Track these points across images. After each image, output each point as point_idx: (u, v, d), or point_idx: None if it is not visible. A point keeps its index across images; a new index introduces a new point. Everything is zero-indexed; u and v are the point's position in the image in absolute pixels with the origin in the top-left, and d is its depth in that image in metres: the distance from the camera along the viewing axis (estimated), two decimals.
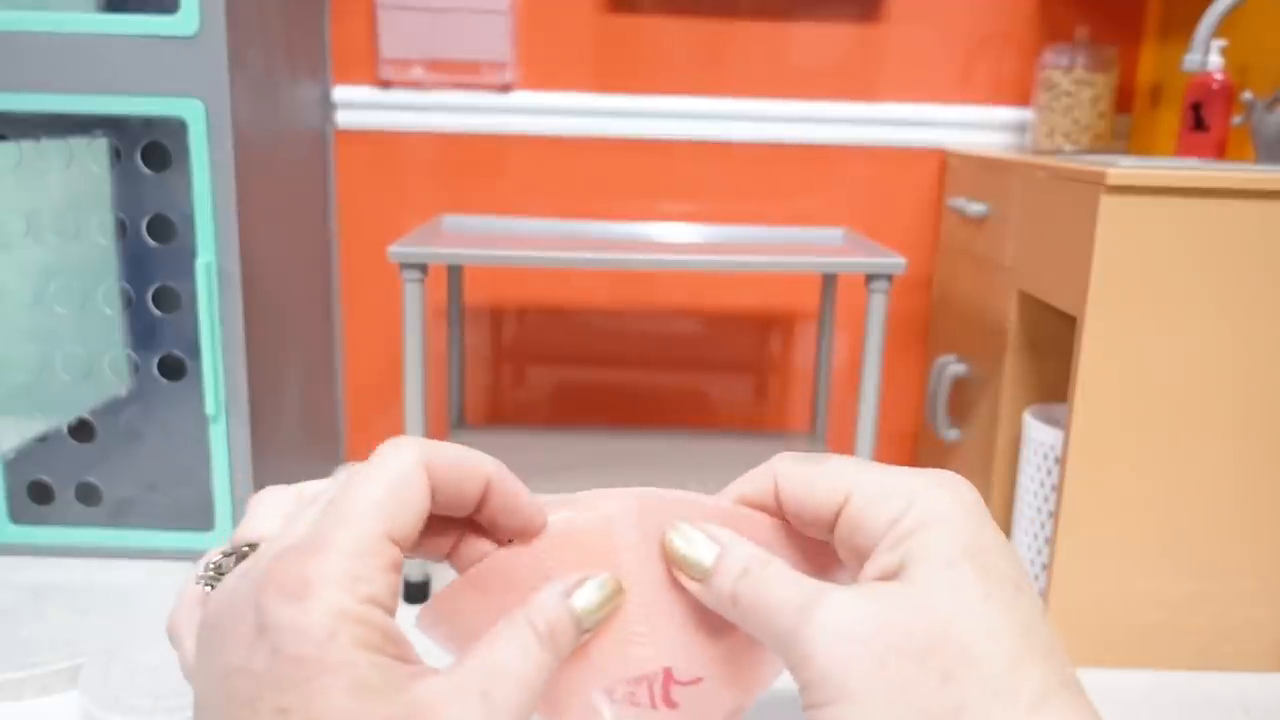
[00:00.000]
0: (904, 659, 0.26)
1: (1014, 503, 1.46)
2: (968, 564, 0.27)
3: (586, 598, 0.30)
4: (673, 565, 0.31)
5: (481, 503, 0.31)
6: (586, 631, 0.30)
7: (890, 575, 0.28)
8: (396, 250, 1.34)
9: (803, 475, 0.31)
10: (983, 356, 1.58)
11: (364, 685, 0.25)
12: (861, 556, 0.29)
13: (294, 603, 0.25)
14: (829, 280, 1.77)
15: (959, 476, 0.29)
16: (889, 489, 0.29)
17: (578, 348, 1.93)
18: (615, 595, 0.31)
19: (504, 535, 0.32)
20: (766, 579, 0.29)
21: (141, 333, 1.63)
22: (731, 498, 0.33)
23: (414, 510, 0.28)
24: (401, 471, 0.28)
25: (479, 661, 0.28)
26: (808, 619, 0.27)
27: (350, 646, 0.25)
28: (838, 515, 0.30)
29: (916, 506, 0.28)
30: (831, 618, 0.27)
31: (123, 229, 1.50)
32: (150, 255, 1.50)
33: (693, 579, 0.31)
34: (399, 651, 0.26)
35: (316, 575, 0.25)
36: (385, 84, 1.79)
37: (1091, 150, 1.70)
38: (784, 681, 0.30)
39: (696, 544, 0.31)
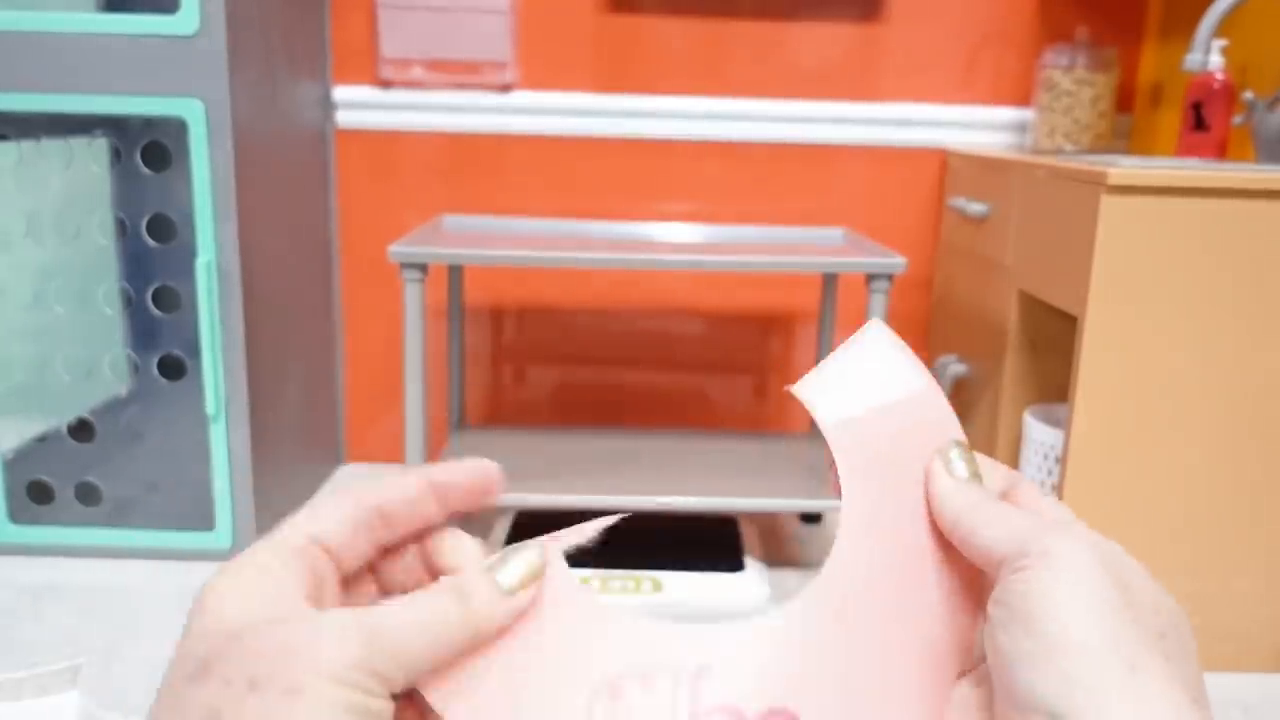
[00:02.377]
0: (1128, 575, 0.28)
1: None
2: (1169, 595, 0.30)
3: (510, 573, 0.31)
4: (933, 463, 0.34)
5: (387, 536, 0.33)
6: (516, 602, 0.31)
7: None
8: (396, 250, 1.34)
9: (1037, 495, 0.34)
10: (983, 356, 1.58)
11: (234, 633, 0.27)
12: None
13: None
14: (829, 280, 1.77)
15: None
16: (1101, 539, 0.32)
17: (578, 348, 1.93)
18: (540, 569, 0.32)
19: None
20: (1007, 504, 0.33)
21: (141, 333, 1.63)
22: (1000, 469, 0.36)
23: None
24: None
25: (379, 608, 0.29)
26: (1066, 526, 0.30)
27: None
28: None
29: (1126, 558, 0.31)
30: (1089, 536, 0.30)
31: (123, 229, 1.50)
32: (150, 255, 1.50)
33: (950, 474, 0.33)
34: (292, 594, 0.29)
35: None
36: (385, 84, 1.79)
37: (1092, 150, 1.70)
38: None
39: (958, 462, 0.34)
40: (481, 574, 0.31)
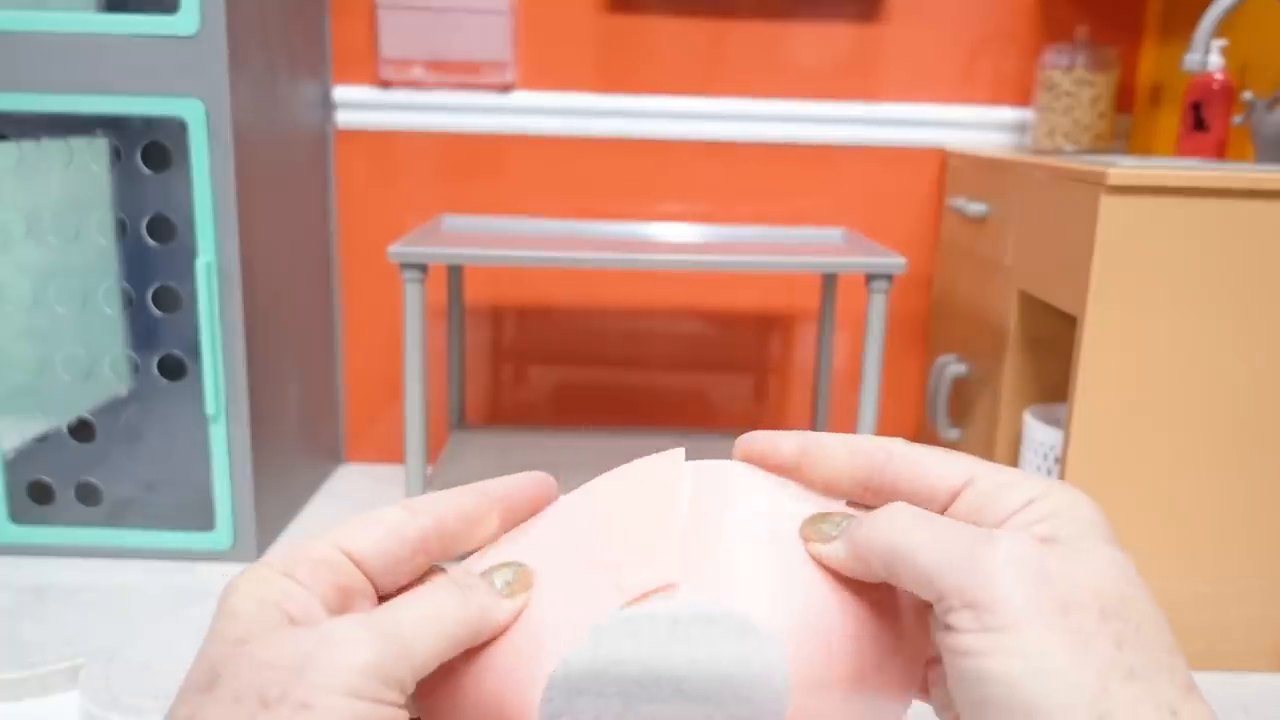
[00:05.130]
0: (1085, 613, 0.26)
1: None
2: (1122, 550, 0.27)
3: (502, 579, 0.31)
4: (803, 536, 0.32)
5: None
6: (513, 604, 0.31)
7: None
8: (396, 250, 1.34)
9: (924, 453, 0.31)
10: (983, 356, 1.58)
11: (261, 626, 0.27)
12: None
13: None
14: (829, 280, 1.77)
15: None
16: (1018, 477, 0.29)
17: (578, 348, 1.93)
18: (529, 582, 0.31)
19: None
20: (921, 512, 0.29)
21: (141, 333, 1.63)
22: (847, 449, 0.33)
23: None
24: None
25: (385, 608, 0.29)
26: (990, 543, 0.27)
27: (250, 601, 0.28)
28: (954, 496, 0.30)
29: (1053, 494, 0.28)
30: (1016, 548, 0.26)
31: (123, 229, 1.50)
32: (150, 255, 1.50)
33: (821, 541, 0.31)
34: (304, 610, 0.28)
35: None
36: (385, 84, 1.79)
37: (1092, 150, 1.70)
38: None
39: (827, 525, 0.31)
40: (476, 575, 0.31)
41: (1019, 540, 0.27)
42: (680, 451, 0.34)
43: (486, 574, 0.31)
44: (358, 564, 0.29)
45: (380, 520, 0.30)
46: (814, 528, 0.32)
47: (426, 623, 0.28)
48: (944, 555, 0.27)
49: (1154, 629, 0.26)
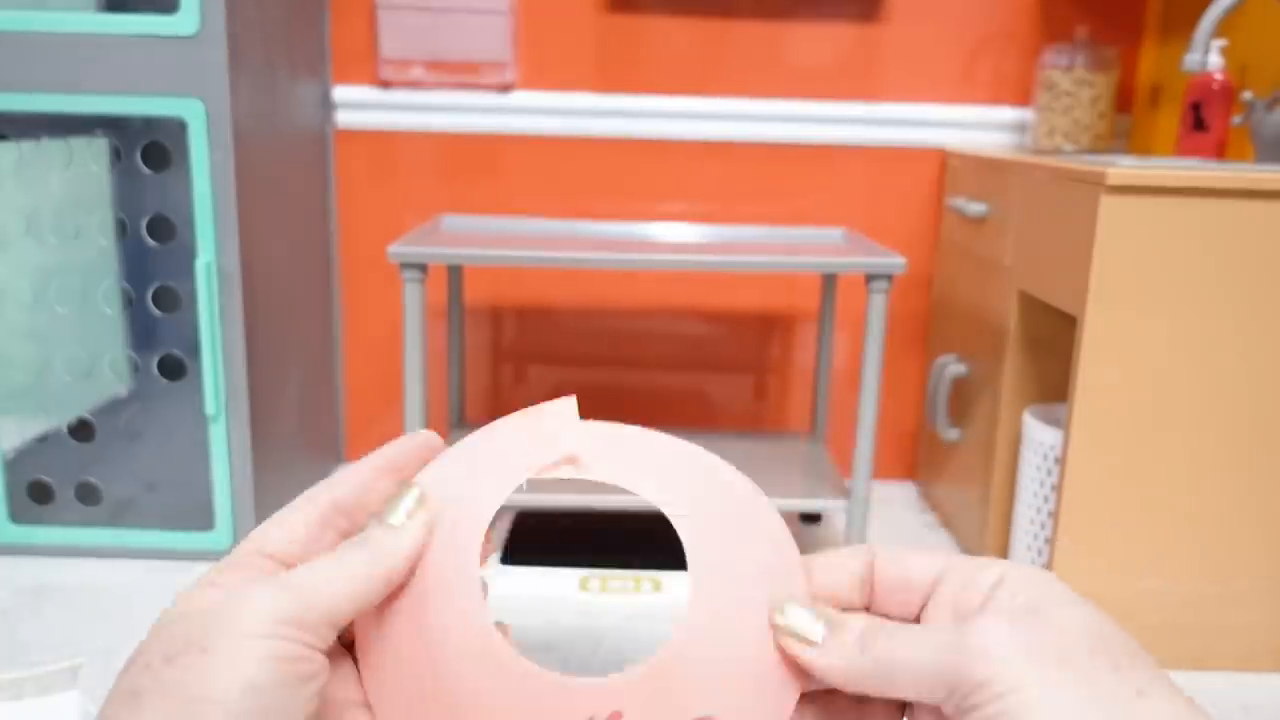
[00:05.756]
0: (1075, 655, 0.28)
1: (1014, 503, 1.46)
2: (1088, 602, 0.30)
3: (397, 513, 0.33)
4: (779, 634, 0.33)
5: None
6: (408, 535, 0.32)
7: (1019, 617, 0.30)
8: (396, 250, 1.34)
9: (905, 550, 0.34)
10: (983, 356, 1.58)
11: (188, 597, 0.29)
12: (964, 616, 0.32)
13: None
14: (829, 280, 1.77)
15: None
16: (985, 562, 0.32)
17: (578, 348, 1.93)
18: (422, 499, 0.33)
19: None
20: (890, 627, 0.32)
21: (141, 333, 1.63)
22: (849, 554, 0.35)
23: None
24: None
25: (295, 569, 0.31)
26: (968, 630, 0.30)
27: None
28: (934, 585, 0.33)
29: (1015, 571, 0.31)
30: (993, 626, 0.29)
31: (123, 229, 1.50)
32: (150, 255, 1.50)
33: (804, 644, 0.33)
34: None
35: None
36: (385, 84, 1.79)
37: (1091, 150, 1.70)
38: None
39: (804, 621, 0.33)
40: (375, 521, 0.33)
41: (996, 622, 0.29)
42: (572, 399, 0.37)
43: (381, 510, 0.33)
44: (279, 561, 0.32)
45: (287, 515, 0.33)
46: (790, 621, 0.33)
47: (334, 576, 0.30)
48: (935, 656, 0.30)
49: (1140, 653, 0.29)
